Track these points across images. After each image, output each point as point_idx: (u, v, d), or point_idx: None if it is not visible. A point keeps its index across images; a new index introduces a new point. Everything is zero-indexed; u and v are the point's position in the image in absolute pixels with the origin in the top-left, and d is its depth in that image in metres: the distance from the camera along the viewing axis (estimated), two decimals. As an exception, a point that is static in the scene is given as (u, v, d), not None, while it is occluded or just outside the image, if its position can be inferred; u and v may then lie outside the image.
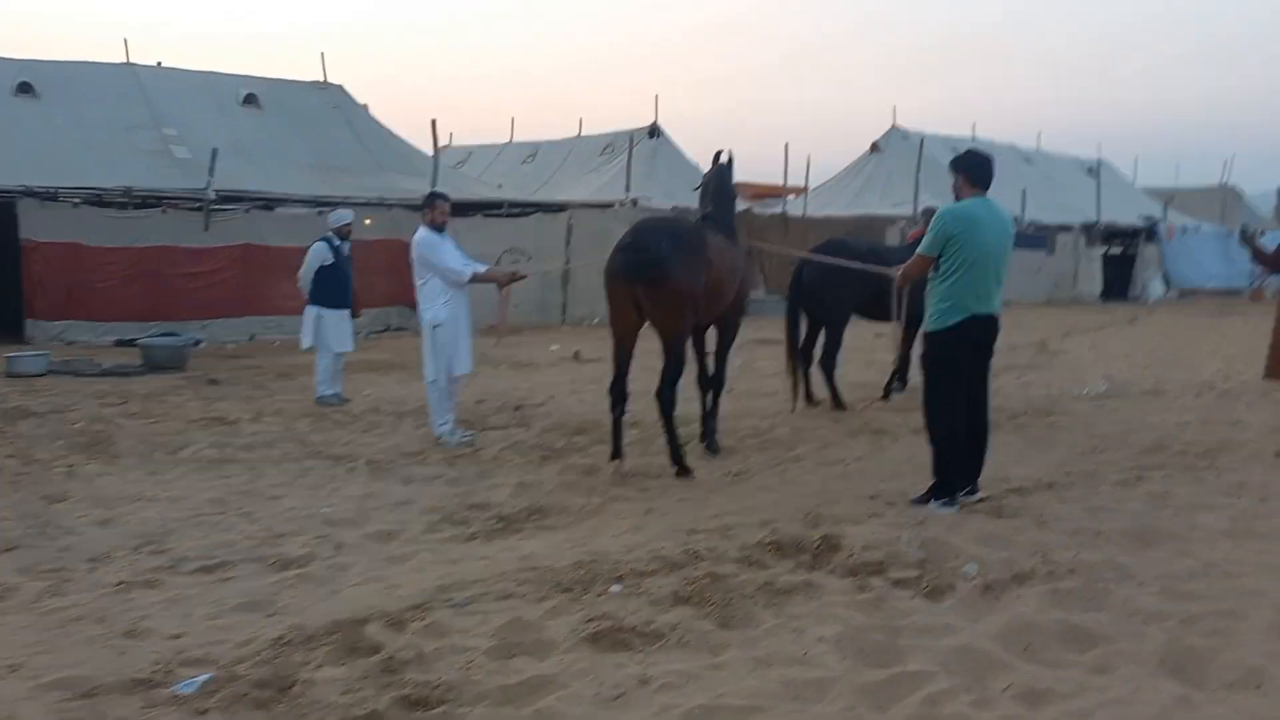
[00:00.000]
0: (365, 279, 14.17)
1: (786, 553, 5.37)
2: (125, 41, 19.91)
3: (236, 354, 15.21)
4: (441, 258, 8.64)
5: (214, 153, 16.25)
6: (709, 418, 8.44)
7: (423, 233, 8.70)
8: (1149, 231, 31.91)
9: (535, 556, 5.40)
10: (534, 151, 29.40)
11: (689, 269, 7.34)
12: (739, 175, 9.18)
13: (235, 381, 12.23)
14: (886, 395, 10.65)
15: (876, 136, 30.51)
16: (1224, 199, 37.47)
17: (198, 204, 16.31)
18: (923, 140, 27.53)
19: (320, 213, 14.52)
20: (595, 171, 26.13)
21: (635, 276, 7.25)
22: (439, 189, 10.56)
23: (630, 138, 24.43)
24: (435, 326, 8.67)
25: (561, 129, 21.39)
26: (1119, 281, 31.92)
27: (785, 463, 7.98)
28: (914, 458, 7.45)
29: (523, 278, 9.56)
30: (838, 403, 10.11)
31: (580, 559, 5.25)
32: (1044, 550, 5.34)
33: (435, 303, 8.67)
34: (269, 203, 17.48)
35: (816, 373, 10.28)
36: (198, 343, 14.57)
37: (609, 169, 25.80)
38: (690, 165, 25.20)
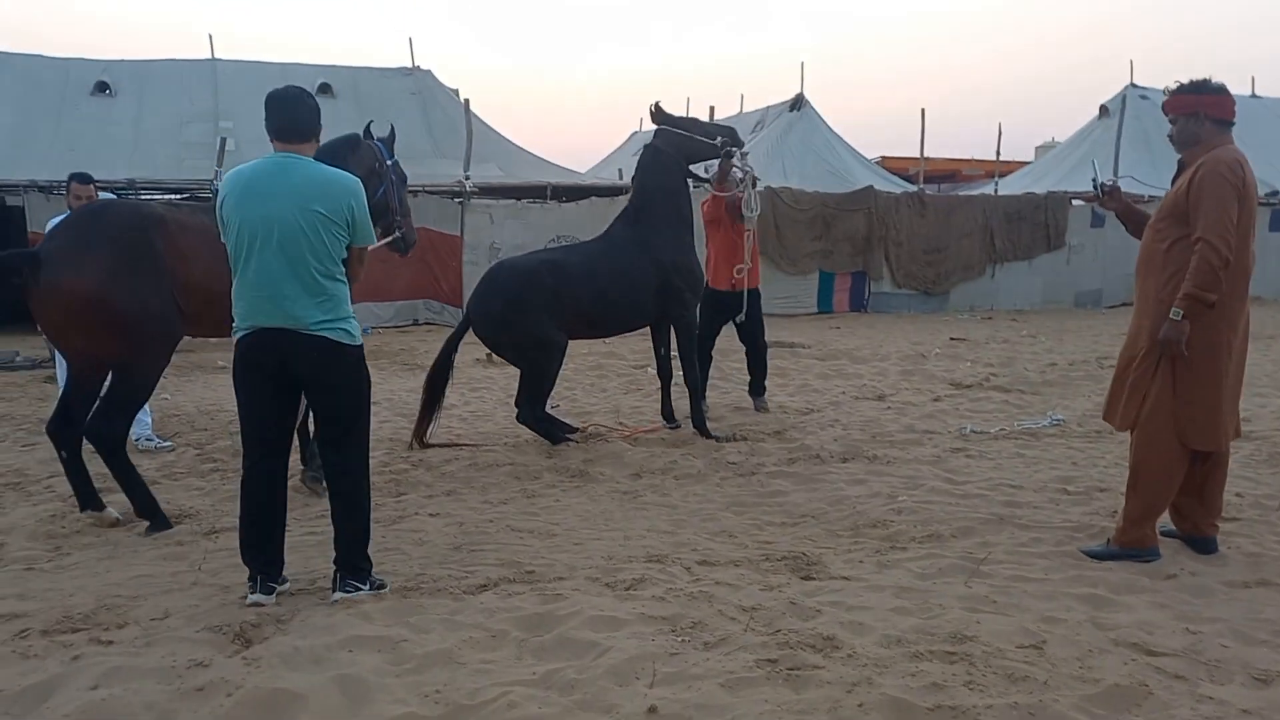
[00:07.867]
0: (395, 270, 14.07)
1: None
2: (210, 37, 20.11)
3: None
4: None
5: (222, 142, 16.01)
6: None
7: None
8: None
9: None
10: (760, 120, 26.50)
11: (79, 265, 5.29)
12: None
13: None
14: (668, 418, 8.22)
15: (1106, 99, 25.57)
16: None
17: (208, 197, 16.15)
18: (1123, 99, 22.63)
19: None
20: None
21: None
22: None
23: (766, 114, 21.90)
24: None
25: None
26: None
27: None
28: (414, 533, 5.27)
29: None
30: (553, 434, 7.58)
31: None
32: None
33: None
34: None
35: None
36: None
37: (758, 147, 23.34)
38: (836, 141, 22.30)
